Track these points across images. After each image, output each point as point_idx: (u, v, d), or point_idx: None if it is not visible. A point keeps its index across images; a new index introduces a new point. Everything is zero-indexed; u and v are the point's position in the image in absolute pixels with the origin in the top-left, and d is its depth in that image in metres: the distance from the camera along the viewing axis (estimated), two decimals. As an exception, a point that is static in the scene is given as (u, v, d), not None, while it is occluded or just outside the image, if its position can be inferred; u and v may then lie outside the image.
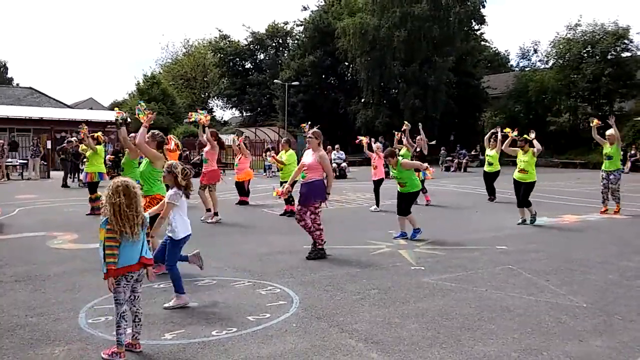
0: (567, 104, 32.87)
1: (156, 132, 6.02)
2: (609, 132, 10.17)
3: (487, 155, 12.39)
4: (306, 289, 5.04)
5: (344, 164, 21.40)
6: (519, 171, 9.02)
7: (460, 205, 11.82)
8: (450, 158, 27.60)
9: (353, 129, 35.33)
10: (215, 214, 9.37)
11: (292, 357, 3.49)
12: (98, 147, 10.80)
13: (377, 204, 11.03)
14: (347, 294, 4.91)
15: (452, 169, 26.50)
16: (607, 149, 10.11)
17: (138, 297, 3.60)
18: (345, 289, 5.04)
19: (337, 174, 21.00)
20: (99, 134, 11.27)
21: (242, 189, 11.77)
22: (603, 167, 10.16)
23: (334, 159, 21.41)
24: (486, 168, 12.31)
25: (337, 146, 22.33)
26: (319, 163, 6.45)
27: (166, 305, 4.48)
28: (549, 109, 33.36)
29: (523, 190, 8.89)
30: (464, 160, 26.62)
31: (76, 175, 17.72)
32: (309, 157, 6.59)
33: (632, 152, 24.91)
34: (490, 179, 12.27)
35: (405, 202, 7.78)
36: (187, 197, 4.60)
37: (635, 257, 6.45)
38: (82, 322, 4.14)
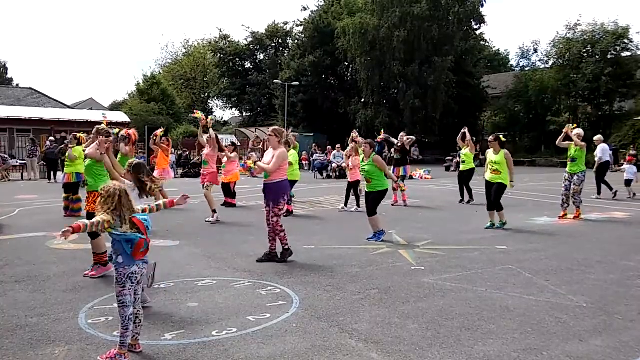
0: (567, 104, 32.94)
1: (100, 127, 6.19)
2: (576, 131, 9.61)
3: (461, 153, 12.04)
4: (306, 289, 5.04)
5: (344, 164, 21.37)
6: (491, 172, 8.53)
7: (460, 205, 11.81)
8: (450, 157, 27.61)
9: (353, 129, 35.42)
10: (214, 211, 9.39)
11: (292, 357, 3.49)
12: (78, 147, 10.68)
13: (358, 204, 10.75)
14: (347, 294, 4.90)
15: (452, 168, 26.51)
16: (572, 150, 9.62)
17: (138, 298, 3.60)
18: (345, 289, 5.04)
19: (337, 173, 21.01)
20: (81, 134, 11.19)
21: (228, 190, 11.70)
22: (567, 169, 9.74)
23: (334, 159, 21.42)
24: (460, 167, 12.04)
25: (337, 146, 22.32)
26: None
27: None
28: (549, 109, 33.41)
29: (495, 192, 8.41)
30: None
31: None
32: (268, 156, 6.34)
33: (632, 152, 24.89)
34: (464, 178, 11.96)
35: (371, 202, 7.58)
36: (141, 196, 4.42)
37: (635, 256, 6.45)
38: (82, 322, 4.14)
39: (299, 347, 3.66)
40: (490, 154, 8.66)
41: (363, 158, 7.92)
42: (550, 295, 4.83)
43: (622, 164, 13.11)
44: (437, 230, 8.41)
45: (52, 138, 20.61)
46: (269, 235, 6.27)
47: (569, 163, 9.74)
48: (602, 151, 12.78)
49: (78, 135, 11.05)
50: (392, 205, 11.49)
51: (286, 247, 6.25)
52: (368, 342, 3.73)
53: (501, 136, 8.77)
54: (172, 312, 4.38)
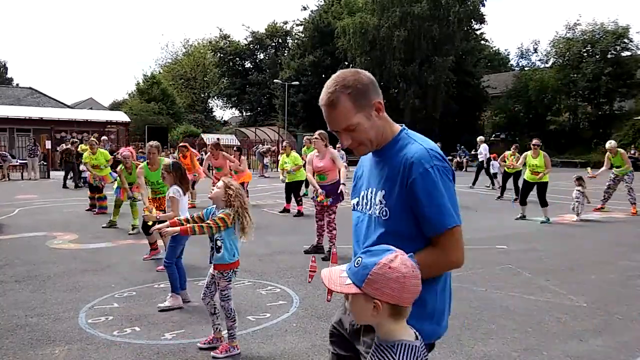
0: (567, 103, 32.93)
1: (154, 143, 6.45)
2: (609, 145, 10.58)
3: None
4: (306, 289, 5.03)
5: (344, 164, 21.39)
6: (532, 173, 9.36)
7: (460, 205, 11.79)
8: (450, 157, 27.63)
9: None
10: None
11: (292, 357, 3.49)
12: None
13: None
14: (347, 293, 4.89)
15: (452, 167, 26.55)
16: (617, 161, 10.51)
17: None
18: (345, 289, 5.03)
19: (337, 173, 20.96)
20: (93, 138, 11.48)
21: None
22: (616, 172, 10.51)
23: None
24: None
25: (337, 146, 22.30)
26: (332, 161, 6.57)
27: (160, 305, 4.44)
28: (549, 108, 33.41)
29: (537, 191, 9.28)
30: (464, 160, 26.64)
31: (75, 175, 17.45)
32: (321, 159, 6.64)
33: (632, 152, 24.91)
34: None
35: None
36: (184, 192, 4.68)
37: (635, 256, 6.45)
38: (82, 322, 4.14)
39: (299, 346, 3.66)
40: (529, 157, 9.54)
41: None
42: (550, 295, 4.83)
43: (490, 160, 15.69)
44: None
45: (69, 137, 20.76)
46: (317, 230, 6.72)
47: (615, 169, 10.59)
48: (485, 149, 15.38)
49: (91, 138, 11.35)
50: None
51: (332, 243, 6.51)
52: (368, 342, 3.73)
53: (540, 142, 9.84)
54: (172, 312, 4.38)
